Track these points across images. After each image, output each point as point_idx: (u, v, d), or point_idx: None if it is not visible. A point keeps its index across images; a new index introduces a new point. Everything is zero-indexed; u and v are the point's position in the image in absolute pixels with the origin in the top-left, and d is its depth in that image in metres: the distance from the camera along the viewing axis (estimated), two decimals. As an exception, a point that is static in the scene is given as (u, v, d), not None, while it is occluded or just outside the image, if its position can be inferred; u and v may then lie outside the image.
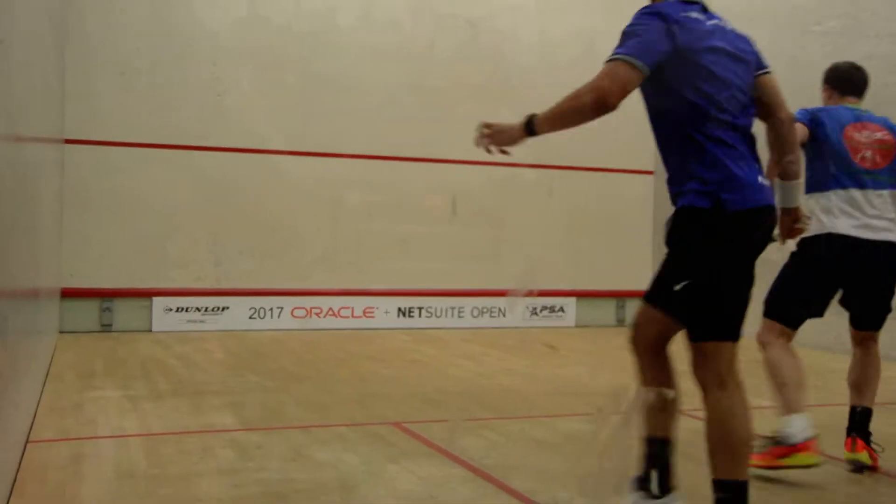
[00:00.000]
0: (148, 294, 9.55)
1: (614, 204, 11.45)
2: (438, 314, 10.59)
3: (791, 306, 4.28)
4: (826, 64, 9.64)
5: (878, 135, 4.42)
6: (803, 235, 3.89)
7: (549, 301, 11.03)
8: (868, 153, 4.36)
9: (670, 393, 3.16)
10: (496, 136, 3.15)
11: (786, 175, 3.34)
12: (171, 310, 9.59)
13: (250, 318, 9.88)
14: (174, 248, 9.70)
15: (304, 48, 10.27)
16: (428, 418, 5.35)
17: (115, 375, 6.65)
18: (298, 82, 10.23)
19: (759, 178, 3.00)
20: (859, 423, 4.27)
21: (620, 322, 11.34)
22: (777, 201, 3.23)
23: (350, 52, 10.39)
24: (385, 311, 10.42)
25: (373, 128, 10.45)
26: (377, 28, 10.53)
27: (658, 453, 3.20)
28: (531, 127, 3.04)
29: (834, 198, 4.27)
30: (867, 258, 4.21)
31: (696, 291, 2.96)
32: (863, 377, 4.37)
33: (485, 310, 10.75)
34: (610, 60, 2.88)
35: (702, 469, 4.27)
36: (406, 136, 10.56)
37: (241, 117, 9.95)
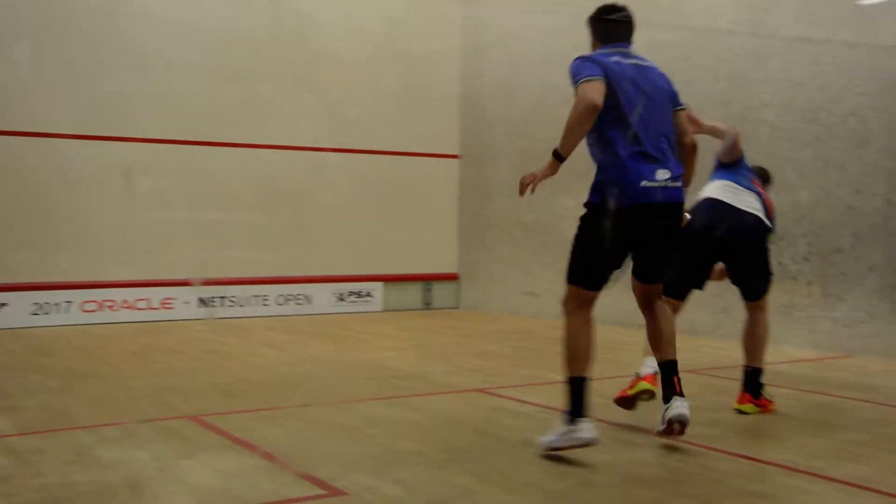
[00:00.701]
0: (-90, 291, 8.68)
1: (420, 188, 11.51)
2: (241, 303, 10.28)
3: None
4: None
5: None
6: None
7: (355, 286, 10.96)
8: None
9: None
10: (537, 178, 3.94)
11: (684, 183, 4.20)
12: (-64, 308, 8.76)
13: (33, 314, 9.19)
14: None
15: (91, 22, 9.60)
16: (226, 410, 5.14)
17: None
18: (84, 60, 9.57)
19: (649, 182, 3.93)
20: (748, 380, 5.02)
21: (427, 305, 11.45)
22: None
23: (144, 28, 9.82)
24: (184, 302, 9.99)
25: (168, 110, 9.95)
26: (174, 2, 10.00)
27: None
28: (558, 154, 3.89)
29: None
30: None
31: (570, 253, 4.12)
32: (748, 341, 5.09)
33: (290, 297, 10.53)
34: (579, 84, 3.89)
35: (495, 442, 4.35)
36: (204, 118, 10.14)
37: (19, 98, 9.21)
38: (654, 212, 3.96)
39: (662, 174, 3.94)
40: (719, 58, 8.46)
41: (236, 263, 10.22)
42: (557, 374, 6.27)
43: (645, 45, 10.05)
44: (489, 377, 6.28)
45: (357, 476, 3.74)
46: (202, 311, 9.91)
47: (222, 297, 10.16)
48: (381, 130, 11.19)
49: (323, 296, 10.74)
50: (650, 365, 4.63)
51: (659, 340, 4.18)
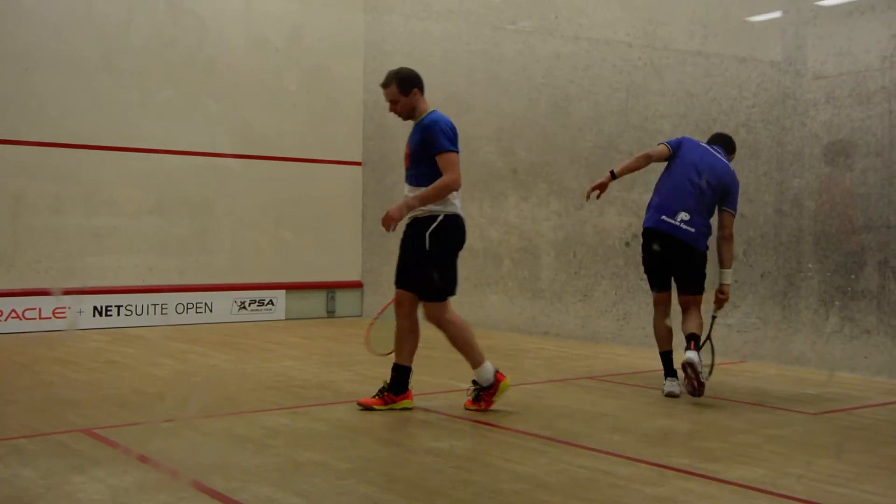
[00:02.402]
0: None
1: (323, 195, 11.39)
2: (139, 311, 9.95)
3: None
4: (518, 59, 10.18)
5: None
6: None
7: (257, 294, 10.76)
8: None
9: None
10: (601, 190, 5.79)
11: None
12: None
13: (-88, 325, 8.71)
14: None
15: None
16: (122, 422, 4.97)
17: None
18: (-32, 58, 9.14)
19: (668, 218, 5.70)
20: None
21: (331, 313, 11.34)
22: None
23: (32, 25, 9.42)
24: (79, 311, 9.62)
25: (59, 111, 9.58)
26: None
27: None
28: (613, 172, 5.79)
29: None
30: None
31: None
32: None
33: (190, 305, 10.27)
34: (661, 143, 5.98)
35: (399, 451, 4.32)
36: (99, 121, 9.79)
37: None
38: (669, 239, 5.59)
39: (682, 216, 5.58)
40: (617, 69, 8.65)
41: (134, 271, 9.91)
42: (461, 382, 6.31)
43: (547, 55, 10.15)
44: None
45: (257, 488, 3.66)
46: (63, 323, 9.49)
47: (118, 306, 9.82)
48: (284, 137, 11.04)
49: (224, 304, 10.51)
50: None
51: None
